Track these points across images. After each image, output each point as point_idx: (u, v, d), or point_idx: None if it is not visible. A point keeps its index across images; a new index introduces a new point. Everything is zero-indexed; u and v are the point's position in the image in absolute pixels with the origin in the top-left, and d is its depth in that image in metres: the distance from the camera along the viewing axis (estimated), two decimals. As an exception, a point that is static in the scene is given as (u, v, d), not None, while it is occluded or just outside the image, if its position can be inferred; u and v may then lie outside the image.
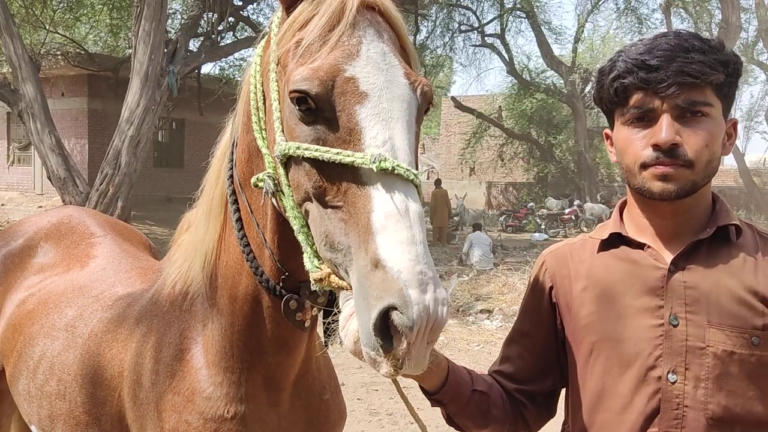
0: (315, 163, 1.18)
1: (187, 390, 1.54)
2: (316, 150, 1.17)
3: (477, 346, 7.34)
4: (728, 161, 35.48)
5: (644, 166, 1.27)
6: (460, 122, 31.74)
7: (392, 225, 1.07)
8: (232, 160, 1.49)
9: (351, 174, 1.15)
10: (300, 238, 1.24)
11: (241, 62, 20.94)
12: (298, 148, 1.19)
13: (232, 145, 1.50)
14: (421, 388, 1.37)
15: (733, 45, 17.07)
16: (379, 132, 1.15)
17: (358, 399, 5.47)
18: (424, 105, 1.26)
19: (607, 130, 1.40)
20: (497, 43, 24.62)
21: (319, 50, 1.22)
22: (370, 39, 1.22)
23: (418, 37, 21.11)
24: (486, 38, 24.52)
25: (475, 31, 24.06)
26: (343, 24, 1.22)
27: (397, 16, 1.30)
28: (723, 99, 1.28)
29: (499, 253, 14.73)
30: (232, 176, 1.48)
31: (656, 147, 1.24)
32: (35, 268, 2.33)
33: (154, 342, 1.65)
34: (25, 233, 2.46)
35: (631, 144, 1.28)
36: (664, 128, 1.23)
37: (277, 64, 1.29)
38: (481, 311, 8.68)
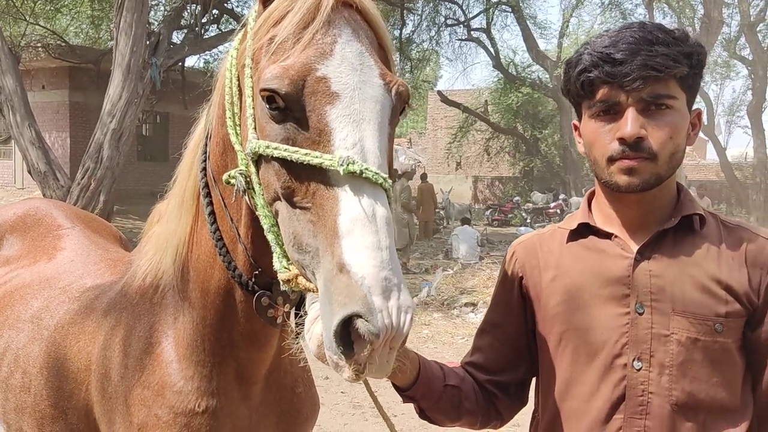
0: (284, 162, 1.16)
1: (157, 384, 1.52)
2: (285, 150, 1.15)
3: (461, 339, 7.37)
4: (710, 155, 35.86)
5: (611, 159, 1.28)
6: (446, 116, 31.79)
7: (358, 229, 1.06)
8: (205, 152, 1.47)
9: (319, 175, 1.13)
10: (269, 237, 1.23)
11: (225, 55, 20.86)
12: (267, 147, 1.18)
13: (206, 137, 1.48)
14: (394, 384, 1.37)
15: (715, 40, 17.26)
16: (349, 134, 1.13)
17: (342, 392, 5.47)
18: (399, 106, 1.24)
19: (576, 121, 1.41)
20: (483, 37, 24.68)
21: (292, 48, 1.19)
22: (345, 38, 1.20)
23: (404, 31, 21.10)
24: (472, 32, 24.56)
25: (461, 25, 24.08)
26: (317, 22, 1.19)
27: (375, 14, 1.28)
28: (687, 90, 1.29)
29: (485, 246, 14.79)
30: (205, 169, 1.46)
31: (622, 141, 1.25)
32: (0, 261, 2.30)
33: (123, 335, 1.63)
34: None
35: (599, 138, 1.29)
36: (630, 122, 1.24)
37: (252, 60, 1.27)
38: (466, 304, 8.71)
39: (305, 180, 1.14)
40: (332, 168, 1.10)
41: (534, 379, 1.51)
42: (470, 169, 30.50)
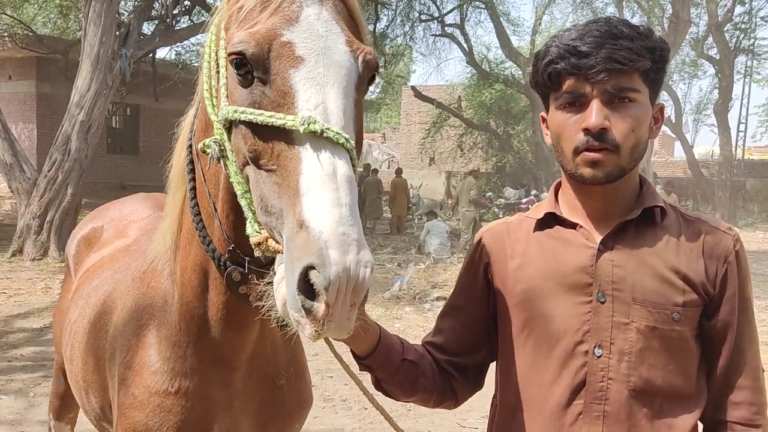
0: (251, 126, 1.18)
1: (138, 364, 1.57)
2: (252, 113, 1.17)
3: (432, 332, 7.41)
4: (678, 153, 36.53)
5: (576, 151, 1.31)
6: (420, 112, 31.84)
7: (317, 186, 1.07)
8: (192, 131, 1.50)
9: (283, 137, 1.15)
10: (243, 203, 1.24)
11: (198, 47, 20.55)
12: (235, 111, 1.20)
13: (194, 116, 1.51)
14: (353, 352, 1.39)
15: (682, 39, 17.56)
16: (312, 95, 1.15)
17: (312, 386, 5.48)
18: (367, 73, 1.25)
19: (543, 114, 1.44)
20: (457, 33, 24.75)
21: (259, 15, 1.22)
22: (311, 5, 1.22)
23: (378, 25, 21.05)
24: (446, 28, 24.61)
25: (435, 21, 24.11)
26: None
27: None
28: (650, 84, 1.32)
29: (457, 241, 14.89)
30: (191, 146, 1.49)
31: (587, 131, 1.28)
32: (98, 246, 2.54)
33: (124, 318, 1.69)
34: (96, 218, 2.78)
35: (565, 129, 1.32)
36: (594, 113, 1.27)
37: (224, 30, 1.29)
38: (438, 298, 8.76)
39: (270, 142, 1.16)
40: (294, 128, 1.12)
41: (493, 365, 1.53)
42: (444, 165, 30.63)
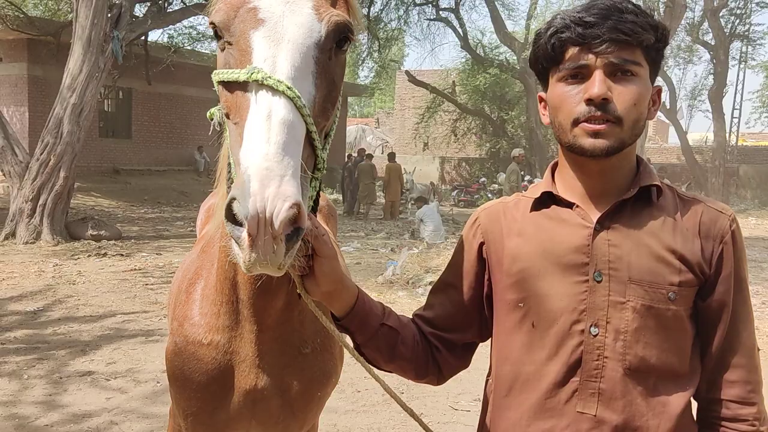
0: (223, 85, 1.27)
1: (181, 316, 1.77)
2: (218, 73, 1.28)
3: (426, 316, 7.43)
4: (672, 139, 36.58)
5: (576, 122, 1.30)
6: (414, 96, 31.75)
7: (254, 129, 1.14)
8: None
9: (241, 90, 1.22)
10: (232, 162, 1.30)
11: (191, 30, 20.38)
12: (215, 74, 1.29)
13: None
14: (331, 314, 1.39)
15: (678, 24, 17.52)
16: (265, 50, 1.23)
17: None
18: (335, 34, 1.29)
19: (541, 93, 1.43)
20: (452, 17, 24.62)
21: None
22: None
23: (372, 9, 20.90)
24: (440, 12, 24.48)
25: (430, 5, 23.97)
26: None
27: None
28: (651, 63, 1.33)
29: (451, 226, 14.90)
30: None
31: (589, 101, 1.28)
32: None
33: (183, 278, 1.91)
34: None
35: (565, 100, 1.32)
36: (597, 83, 1.27)
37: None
38: (431, 283, 8.77)
39: (233, 98, 1.24)
40: (239, 79, 1.21)
41: (490, 344, 1.53)
42: (437, 150, 30.60)
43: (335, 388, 1.94)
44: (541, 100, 1.43)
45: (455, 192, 23.28)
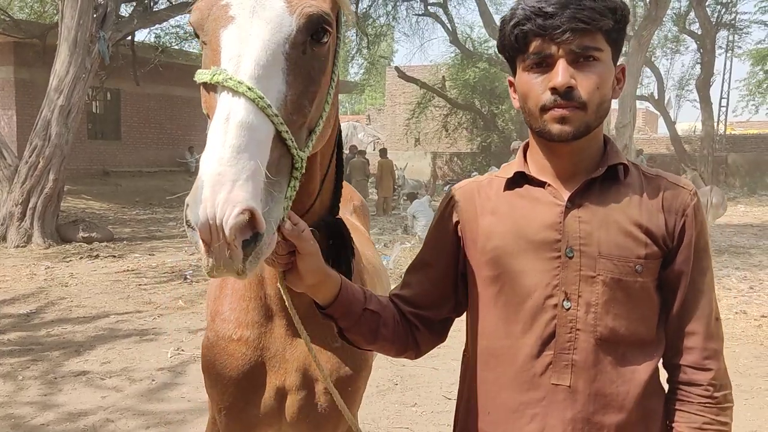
0: (201, 85, 1.25)
1: (214, 311, 1.79)
2: (197, 74, 1.24)
3: (419, 309, 7.48)
4: (662, 130, 36.70)
5: (544, 109, 1.35)
6: (404, 92, 31.74)
7: (212, 132, 1.12)
8: None
9: (212, 92, 1.20)
10: None
11: (177, 29, 20.30)
12: (195, 75, 1.26)
13: None
14: (314, 302, 1.42)
15: (663, 14, 17.58)
16: (231, 50, 1.20)
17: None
18: (308, 27, 1.25)
19: (511, 78, 1.47)
20: (440, 12, 24.63)
21: None
22: None
23: (360, 5, 20.88)
24: (429, 8, 24.47)
25: (418, 1, 23.97)
26: None
27: None
28: (612, 44, 1.37)
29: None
30: None
31: (554, 90, 1.32)
32: None
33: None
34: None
35: (532, 88, 1.36)
36: (560, 72, 1.31)
37: None
38: (423, 276, 8.82)
39: (208, 98, 1.23)
40: (206, 81, 1.19)
41: (466, 320, 1.57)
42: (429, 145, 30.62)
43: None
44: (511, 84, 1.47)
45: (447, 187, 23.31)
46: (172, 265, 9.75)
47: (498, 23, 1.56)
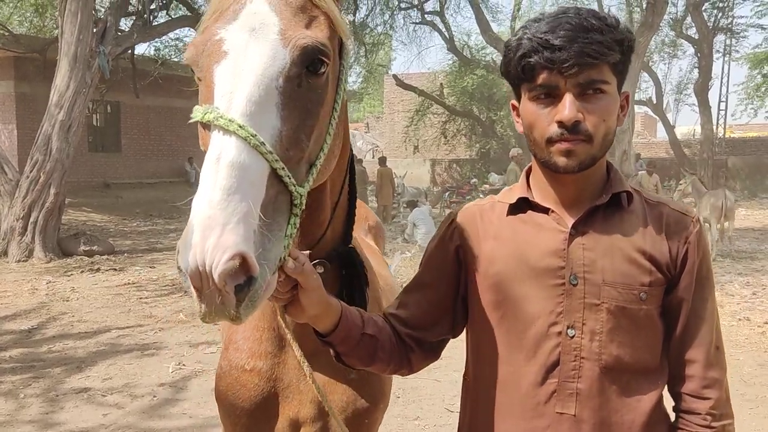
0: (198, 124, 1.22)
1: (227, 340, 1.77)
2: (192, 111, 1.20)
3: (421, 320, 7.46)
4: (660, 134, 36.72)
5: (550, 141, 1.34)
6: (403, 100, 31.79)
7: (204, 173, 1.09)
8: None
9: (207, 129, 1.17)
10: None
11: (177, 42, 20.37)
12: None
13: None
14: (314, 329, 1.41)
15: (660, 19, 17.61)
16: (223, 87, 1.16)
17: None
18: (303, 59, 1.21)
19: (514, 102, 1.47)
20: (437, 20, 24.69)
21: (208, 20, 1.26)
22: (255, 2, 1.24)
23: (357, 15, 20.95)
24: (426, 16, 24.53)
25: (415, 9, 24.02)
26: None
27: None
28: (618, 75, 1.36)
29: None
30: None
31: (561, 124, 1.32)
32: None
33: None
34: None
35: (538, 119, 1.35)
36: (568, 106, 1.31)
37: None
38: (425, 286, 8.80)
39: (204, 136, 1.19)
40: (196, 120, 1.17)
41: (465, 345, 1.56)
42: (428, 153, 30.63)
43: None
44: (514, 108, 1.46)
45: (446, 194, 23.31)
46: (173, 277, 9.73)
47: (494, 30, 1.55)
